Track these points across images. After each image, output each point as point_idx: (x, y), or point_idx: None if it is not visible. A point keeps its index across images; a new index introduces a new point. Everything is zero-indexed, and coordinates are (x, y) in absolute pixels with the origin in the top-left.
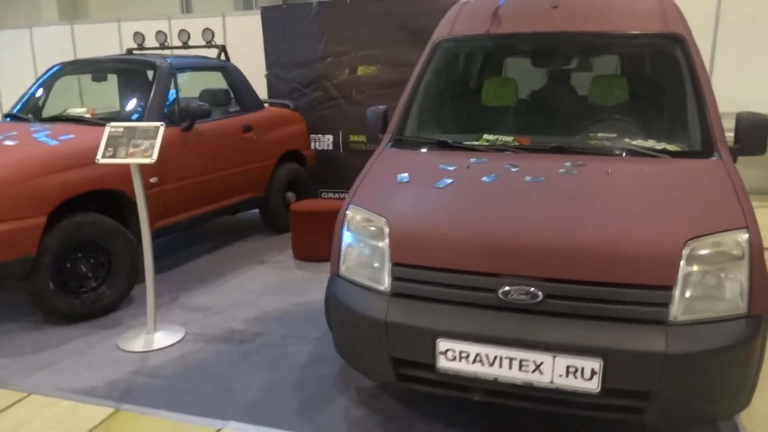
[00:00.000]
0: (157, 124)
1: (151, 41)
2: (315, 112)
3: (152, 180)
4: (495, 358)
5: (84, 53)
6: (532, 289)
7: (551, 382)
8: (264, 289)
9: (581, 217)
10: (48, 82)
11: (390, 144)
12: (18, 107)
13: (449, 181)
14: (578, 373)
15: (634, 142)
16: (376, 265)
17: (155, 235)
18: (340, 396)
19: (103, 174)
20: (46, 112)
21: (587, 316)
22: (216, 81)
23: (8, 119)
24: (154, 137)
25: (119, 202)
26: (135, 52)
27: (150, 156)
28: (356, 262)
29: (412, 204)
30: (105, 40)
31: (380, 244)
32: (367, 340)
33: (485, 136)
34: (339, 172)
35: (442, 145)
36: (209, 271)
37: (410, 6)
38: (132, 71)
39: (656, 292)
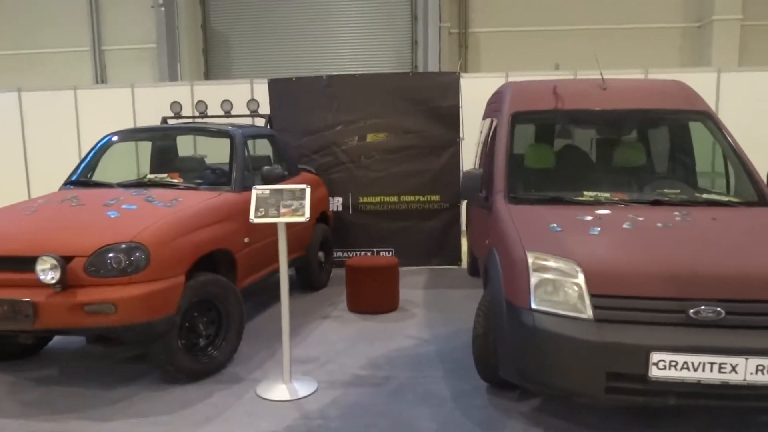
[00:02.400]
0: (303, 186)
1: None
2: (325, 176)
3: (245, 240)
4: (699, 363)
5: None
6: (718, 308)
7: (744, 379)
8: (349, 339)
9: (734, 251)
10: (102, 149)
11: (506, 201)
12: (78, 174)
13: (598, 229)
14: (766, 371)
15: (709, 196)
16: (574, 298)
17: (243, 293)
18: (510, 419)
19: (218, 235)
20: (120, 178)
21: (763, 327)
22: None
23: (70, 186)
24: (302, 198)
25: (218, 261)
26: (170, 120)
27: (303, 215)
28: (550, 296)
29: (589, 246)
30: None
31: (575, 280)
32: (582, 360)
33: (585, 192)
34: (350, 232)
35: (555, 201)
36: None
37: (412, 81)
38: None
39: None
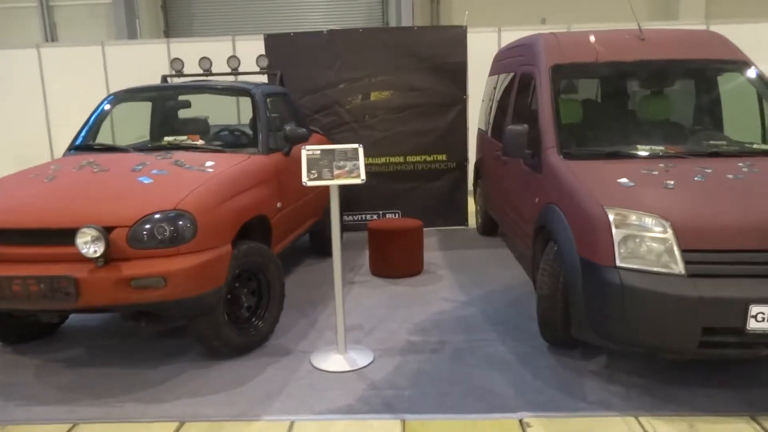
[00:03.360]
0: (356, 145)
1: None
2: (328, 136)
3: (278, 205)
4: None
5: None
6: None
7: None
8: (385, 305)
9: None
10: (106, 110)
11: (561, 157)
12: (83, 137)
13: (672, 182)
14: None
15: (761, 146)
16: (663, 253)
17: None
18: (585, 379)
19: (257, 200)
20: (132, 140)
21: None
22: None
23: (74, 152)
24: (356, 158)
25: (254, 229)
26: (171, 79)
27: (358, 176)
28: (637, 253)
29: (671, 200)
30: None
31: (664, 235)
32: (677, 316)
33: (639, 146)
34: (355, 195)
35: (611, 156)
36: (310, 296)
37: (417, 36)
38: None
39: None
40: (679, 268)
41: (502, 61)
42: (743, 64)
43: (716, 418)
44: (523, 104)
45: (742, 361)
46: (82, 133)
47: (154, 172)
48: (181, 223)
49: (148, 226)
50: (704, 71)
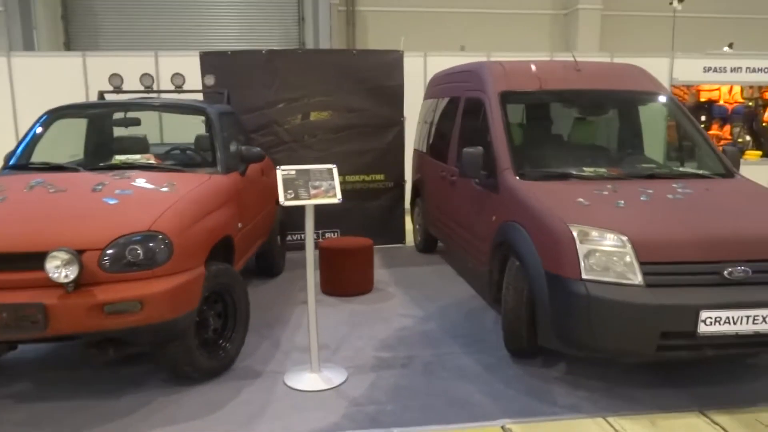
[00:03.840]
0: (331, 166)
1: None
2: (267, 155)
3: (239, 225)
4: (738, 317)
5: None
6: (747, 268)
7: None
8: (344, 323)
9: (747, 217)
10: (43, 128)
11: (517, 177)
12: (18, 156)
13: (622, 202)
14: None
15: (686, 169)
16: (624, 266)
17: None
18: (552, 385)
19: (224, 221)
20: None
21: None
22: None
23: (11, 171)
24: (331, 178)
25: (219, 249)
26: (107, 95)
27: (334, 196)
28: (600, 266)
29: (625, 218)
30: None
31: (624, 250)
32: (637, 323)
33: (585, 169)
34: (293, 214)
35: (562, 177)
36: (265, 318)
37: (356, 58)
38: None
39: None
40: (638, 279)
41: (442, 86)
42: (664, 95)
43: (671, 414)
44: (472, 128)
45: (689, 361)
46: (18, 152)
47: (117, 192)
48: (155, 244)
49: (121, 249)
50: (633, 101)
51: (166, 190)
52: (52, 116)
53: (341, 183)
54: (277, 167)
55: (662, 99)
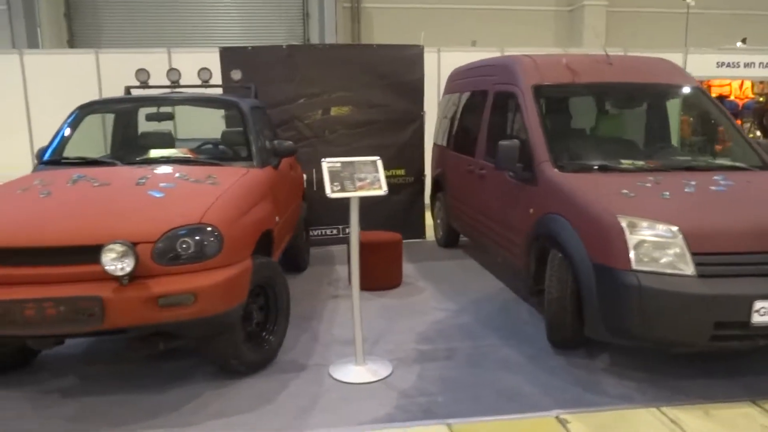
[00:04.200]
0: (375, 158)
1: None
2: None
3: (277, 219)
4: None
5: None
6: None
7: None
8: (380, 316)
9: None
10: (76, 122)
11: (556, 169)
12: (51, 152)
13: (667, 193)
14: None
15: (723, 162)
16: (675, 257)
17: None
18: (597, 376)
19: (266, 214)
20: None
21: None
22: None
23: (46, 167)
24: (375, 171)
25: (260, 243)
26: (134, 90)
27: (380, 188)
28: (650, 257)
29: (673, 210)
30: None
31: (676, 240)
32: (691, 313)
33: (624, 161)
34: (315, 209)
35: (601, 169)
36: (300, 311)
37: (376, 53)
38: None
39: None
40: (690, 269)
41: (465, 80)
42: (697, 88)
43: (723, 404)
44: (503, 121)
45: (739, 352)
46: (52, 147)
47: (162, 185)
48: (206, 237)
49: (172, 241)
50: (666, 94)
51: (210, 183)
52: (83, 112)
53: None
54: (323, 159)
55: (695, 92)
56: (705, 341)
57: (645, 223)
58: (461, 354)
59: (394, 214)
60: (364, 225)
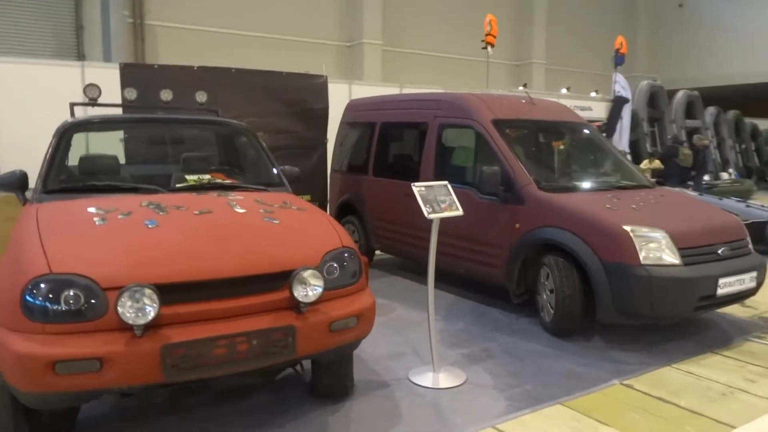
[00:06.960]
0: (444, 183)
1: None
2: None
3: None
4: (734, 281)
5: None
6: (726, 247)
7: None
8: (384, 335)
9: (708, 211)
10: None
11: (539, 190)
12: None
13: (634, 206)
14: (747, 281)
15: (622, 181)
16: (668, 252)
17: None
18: (614, 352)
19: None
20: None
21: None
22: None
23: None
24: (449, 194)
25: None
26: (77, 107)
27: (457, 209)
28: (652, 253)
29: (651, 218)
30: None
31: (667, 240)
32: (685, 292)
33: (585, 182)
34: None
35: (572, 189)
36: None
37: (286, 81)
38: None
39: None
40: (678, 260)
41: (378, 111)
42: (591, 125)
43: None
44: (447, 151)
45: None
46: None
47: (261, 211)
48: (351, 260)
49: (329, 265)
50: (576, 129)
51: (296, 209)
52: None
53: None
54: (413, 184)
55: (592, 128)
56: (691, 312)
57: (644, 229)
58: (496, 351)
59: None
60: None
